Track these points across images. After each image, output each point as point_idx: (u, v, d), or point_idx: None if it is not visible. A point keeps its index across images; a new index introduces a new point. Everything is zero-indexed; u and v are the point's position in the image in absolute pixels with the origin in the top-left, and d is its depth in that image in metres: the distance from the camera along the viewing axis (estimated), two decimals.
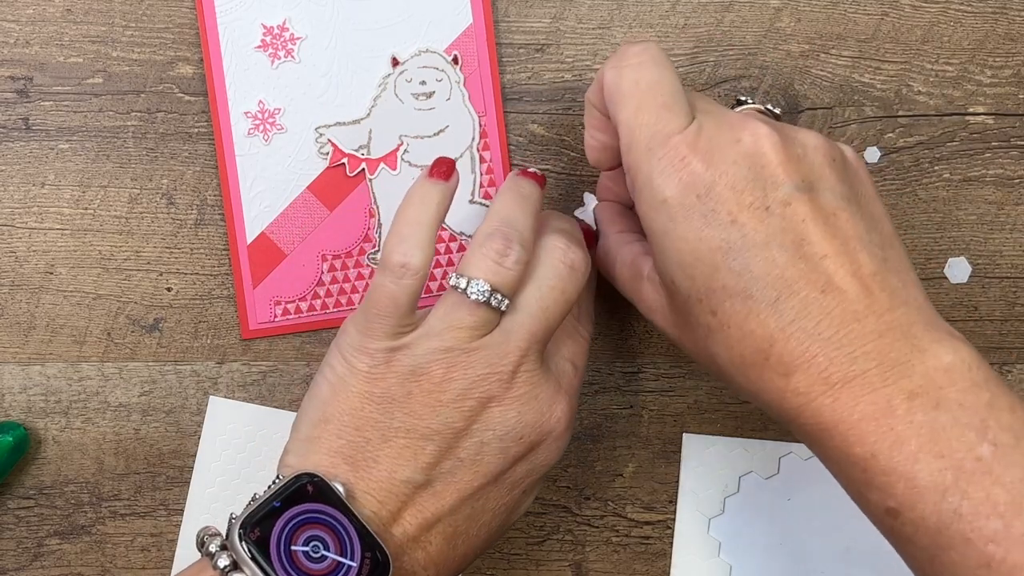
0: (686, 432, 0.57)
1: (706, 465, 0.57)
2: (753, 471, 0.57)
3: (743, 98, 0.50)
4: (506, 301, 0.46)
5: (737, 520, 0.57)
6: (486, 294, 0.46)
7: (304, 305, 0.56)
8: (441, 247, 0.56)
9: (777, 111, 0.50)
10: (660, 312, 0.47)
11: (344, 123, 0.56)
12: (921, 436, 0.40)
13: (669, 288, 0.45)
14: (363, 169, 0.56)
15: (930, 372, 0.41)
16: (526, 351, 0.46)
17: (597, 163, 0.50)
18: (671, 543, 0.57)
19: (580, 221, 0.53)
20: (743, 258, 0.42)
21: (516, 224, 0.47)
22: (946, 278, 0.57)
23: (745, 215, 0.43)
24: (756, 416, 0.57)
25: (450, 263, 0.57)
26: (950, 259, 0.57)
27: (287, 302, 0.56)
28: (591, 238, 0.52)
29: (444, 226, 0.56)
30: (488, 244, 0.47)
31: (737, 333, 0.43)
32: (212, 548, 0.43)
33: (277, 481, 0.45)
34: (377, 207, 0.56)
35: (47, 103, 0.56)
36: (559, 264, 0.48)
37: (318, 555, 0.42)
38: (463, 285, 0.46)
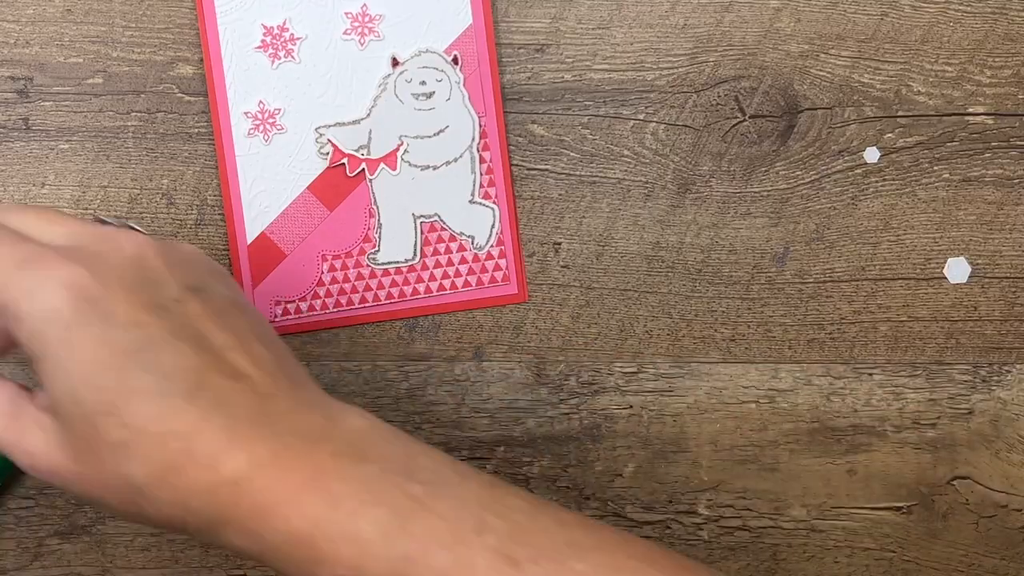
0: (686, 432, 0.57)
1: None
2: None
3: (104, 217, 0.48)
4: None
5: None
6: None
7: (304, 305, 0.56)
8: (441, 247, 0.57)
9: (139, 229, 0.47)
10: (49, 452, 0.42)
11: (344, 123, 0.56)
12: (355, 489, 0.39)
13: (70, 411, 0.41)
14: (363, 169, 0.56)
15: (347, 435, 0.41)
16: None
17: None
18: (671, 543, 0.57)
19: None
20: (151, 354, 0.41)
21: None
22: (945, 278, 0.57)
23: (143, 315, 0.41)
24: (756, 416, 0.57)
25: (449, 263, 0.57)
26: (950, 259, 0.57)
27: (287, 302, 0.56)
28: None
29: (444, 226, 0.57)
30: None
31: (156, 438, 0.40)
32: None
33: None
34: (377, 207, 0.56)
35: (47, 103, 0.56)
36: None
37: None
38: None
